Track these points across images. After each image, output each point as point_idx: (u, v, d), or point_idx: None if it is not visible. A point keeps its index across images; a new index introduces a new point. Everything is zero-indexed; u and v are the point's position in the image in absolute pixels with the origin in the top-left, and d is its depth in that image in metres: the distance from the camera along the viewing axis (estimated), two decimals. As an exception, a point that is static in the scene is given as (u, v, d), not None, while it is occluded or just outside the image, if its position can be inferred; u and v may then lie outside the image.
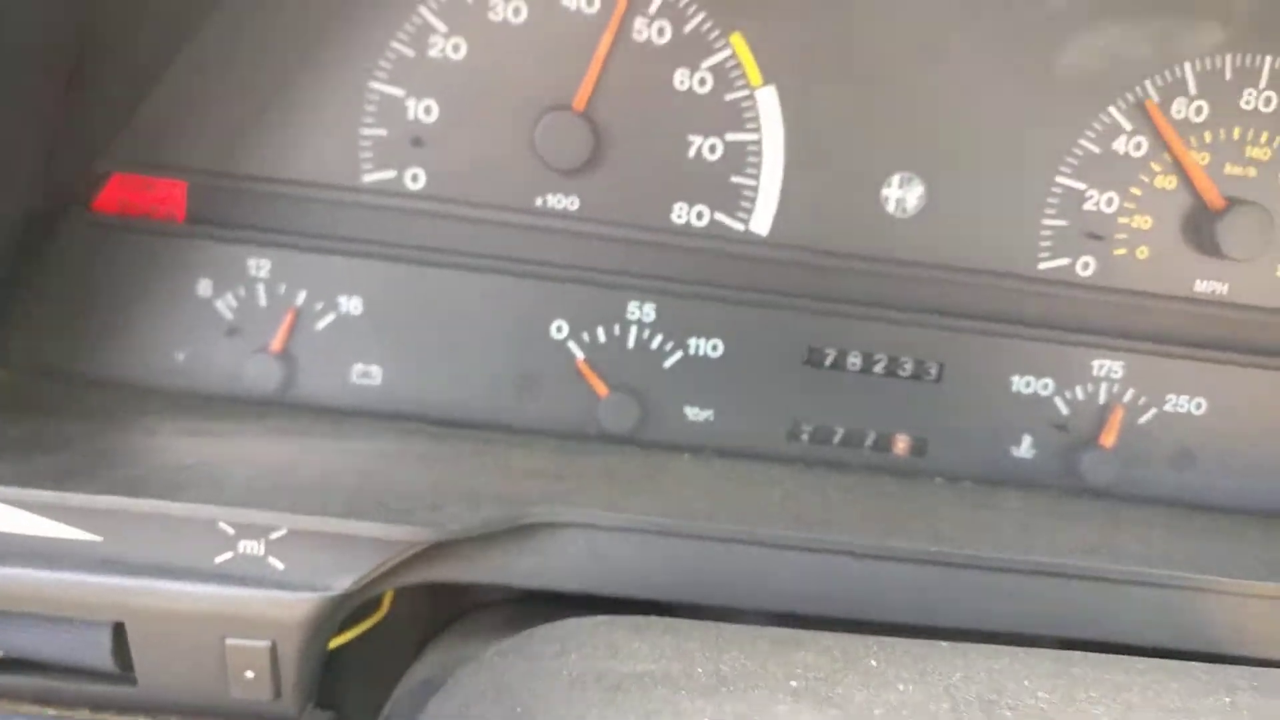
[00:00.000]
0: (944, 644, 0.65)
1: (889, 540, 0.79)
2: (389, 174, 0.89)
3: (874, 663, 0.59)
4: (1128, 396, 0.96)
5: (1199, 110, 0.91)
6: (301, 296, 0.91)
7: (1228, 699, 0.60)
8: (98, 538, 0.70)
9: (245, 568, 0.71)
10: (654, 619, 0.64)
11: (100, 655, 0.71)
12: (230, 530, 0.71)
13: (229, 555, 0.71)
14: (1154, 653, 0.75)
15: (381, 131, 0.88)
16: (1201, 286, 0.95)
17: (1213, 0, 0.89)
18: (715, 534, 0.77)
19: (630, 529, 0.76)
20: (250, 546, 0.71)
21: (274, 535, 0.72)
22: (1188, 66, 0.90)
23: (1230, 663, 0.76)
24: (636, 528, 0.76)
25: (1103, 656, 0.65)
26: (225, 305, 0.90)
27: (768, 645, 0.61)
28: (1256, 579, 0.81)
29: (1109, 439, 0.95)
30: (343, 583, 0.71)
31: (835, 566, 0.79)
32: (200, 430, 0.82)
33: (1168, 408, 0.96)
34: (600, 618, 0.64)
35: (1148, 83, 0.91)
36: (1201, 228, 0.92)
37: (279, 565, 0.72)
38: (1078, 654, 0.66)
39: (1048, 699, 0.57)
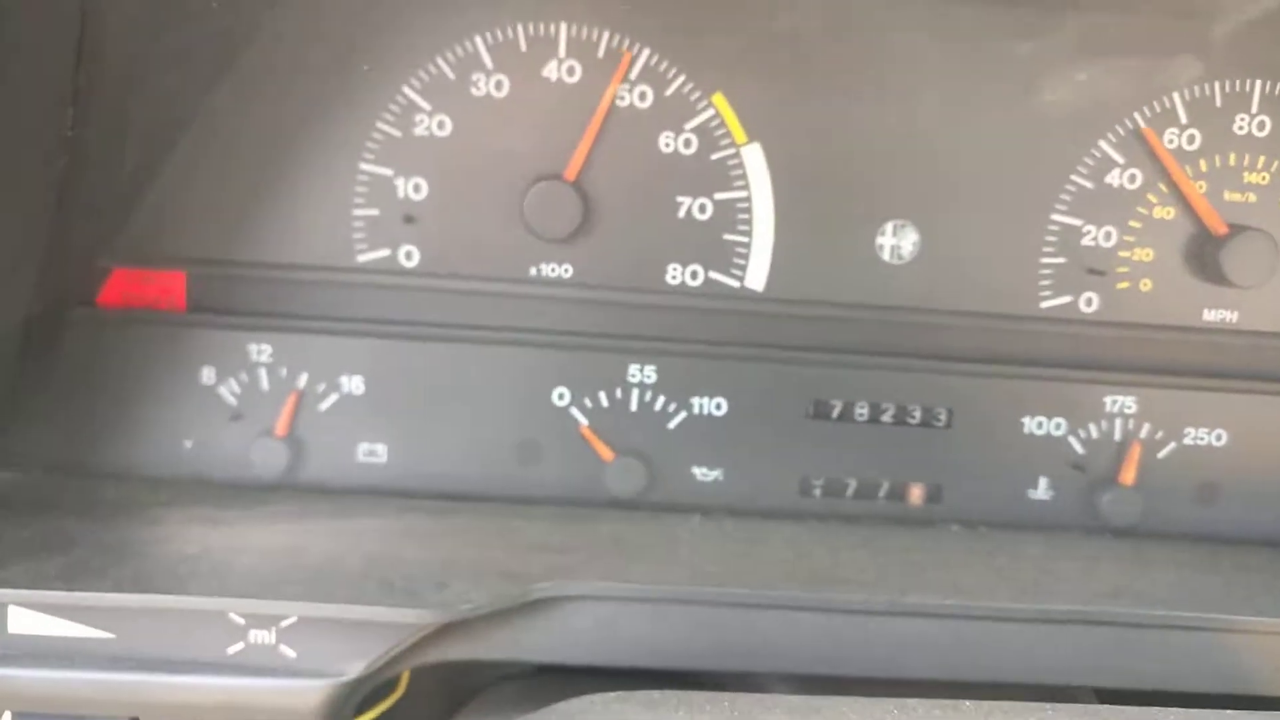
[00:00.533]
0: (967, 704, 0.63)
1: (906, 596, 0.77)
2: (383, 253, 0.90)
3: (892, 729, 0.58)
4: (1144, 432, 0.94)
5: (1191, 139, 0.90)
6: (303, 379, 0.91)
7: (1262, 751, 0.58)
8: (110, 635, 0.70)
9: (257, 657, 0.71)
10: (668, 694, 0.63)
11: (116, 752, 0.70)
12: (240, 620, 0.71)
13: (241, 645, 0.71)
14: (1188, 699, 0.73)
15: (373, 211, 0.89)
16: (1210, 315, 0.93)
17: (1187, 35, 0.89)
18: (727, 599, 0.76)
19: (639, 599, 0.75)
20: (261, 636, 0.71)
21: (284, 624, 0.71)
22: (1176, 96, 0.90)
23: (1269, 706, 0.74)
24: (646, 597, 0.75)
25: (1134, 710, 0.63)
26: (229, 391, 0.91)
27: (784, 714, 0.60)
28: (1289, 616, 0.78)
29: (1128, 476, 0.93)
30: (355, 667, 0.71)
31: (852, 625, 0.77)
32: (207, 518, 0.82)
33: (1187, 441, 0.94)
34: (613, 695, 0.63)
35: (1137, 114, 0.90)
36: (1205, 256, 0.91)
37: (291, 653, 0.71)
38: (1108, 708, 0.63)
39: (1073, 760, 0.55)
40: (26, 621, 0.69)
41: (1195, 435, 0.94)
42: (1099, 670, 0.79)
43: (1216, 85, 0.90)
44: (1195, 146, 0.90)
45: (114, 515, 0.80)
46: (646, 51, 0.87)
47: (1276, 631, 0.77)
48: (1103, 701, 0.85)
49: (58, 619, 0.69)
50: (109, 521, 0.79)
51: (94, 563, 0.71)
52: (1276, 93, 0.90)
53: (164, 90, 0.86)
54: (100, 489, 0.85)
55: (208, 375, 0.91)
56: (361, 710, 0.80)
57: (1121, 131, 0.90)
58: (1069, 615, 0.78)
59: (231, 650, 0.70)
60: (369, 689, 0.75)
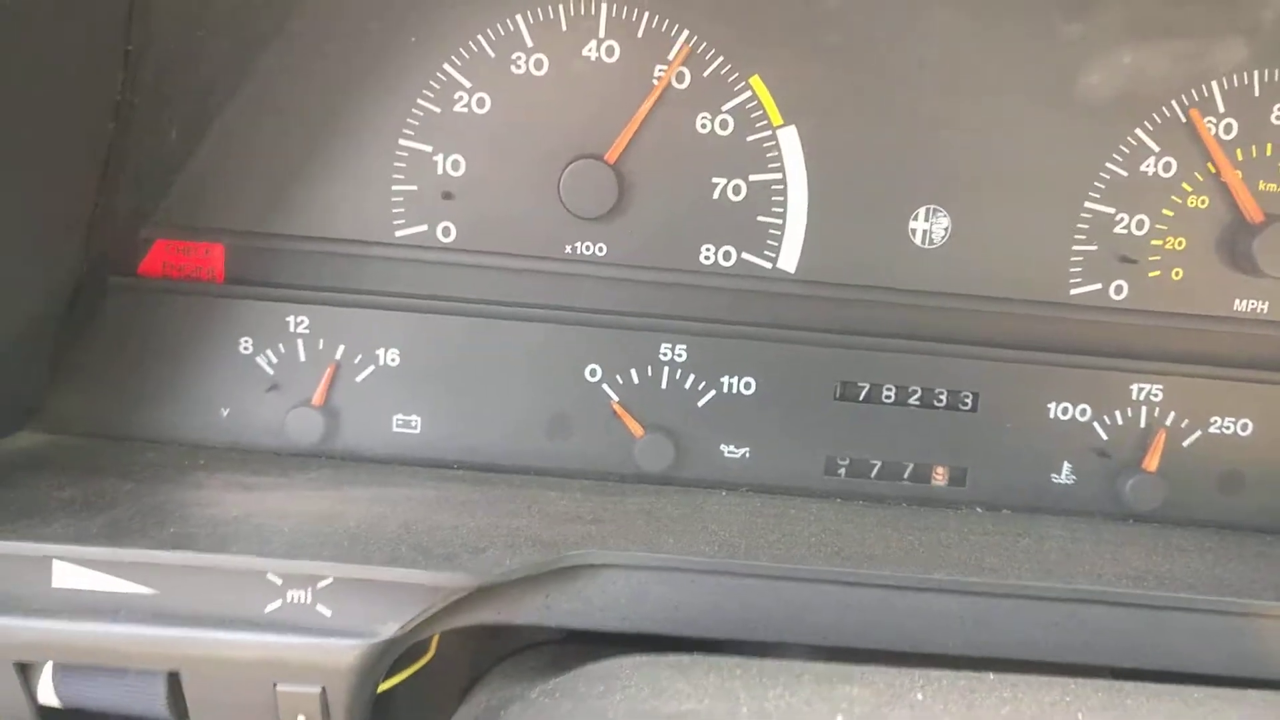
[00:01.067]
0: (991, 676, 0.64)
1: (931, 573, 0.78)
2: (421, 228, 0.91)
3: (920, 696, 0.59)
4: (1170, 419, 0.94)
5: (1229, 128, 0.90)
6: (340, 350, 0.93)
7: (1286, 727, 0.59)
8: (152, 590, 0.72)
9: (294, 616, 0.72)
10: (697, 657, 0.64)
11: (156, 704, 0.72)
12: (278, 580, 0.72)
13: (278, 604, 0.73)
14: (1208, 680, 0.73)
15: (412, 187, 0.91)
16: (1241, 305, 0.93)
17: (1239, 17, 0.89)
18: (755, 571, 0.77)
19: (670, 568, 0.77)
20: (298, 595, 0.73)
21: (321, 584, 0.73)
22: (1215, 85, 0.90)
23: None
24: (676, 567, 0.77)
25: (1156, 686, 0.64)
26: (266, 361, 0.93)
27: (812, 681, 0.61)
28: (1312, 602, 0.79)
29: (1152, 463, 0.94)
30: (389, 629, 0.72)
31: (877, 600, 0.78)
32: (246, 484, 0.84)
33: (1212, 430, 0.94)
34: (643, 657, 0.64)
35: (1174, 102, 0.90)
36: (1237, 246, 0.91)
37: (327, 613, 0.73)
38: (1130, 684, 0.64)
39: (1098, 730, 0.56)
40: (70, 576, 0.71)
41: (1221, 424, 0.94)
42: (1121, 651, 0.80)
43: (1256, 74, 0.90)
44: (1232, 136, 0.90)
45: (154, 478, 0.82)
46: (686, 33, 0.88)
47: None
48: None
49: (100, 574, 0.71)
50: (150, 484, 0.81)
51: (135, 522, 0.73)
52: (1313, 82, 0.90)
53: (213, 56, 0.88)
54: (140, 453, 0.87)
55: (245, 345, 0.92)
56: (392, 671, 0.82)
57: (1159, 119, 0.91)
58: (1094, 595, 0.78)
59: (269, 609, 0.72)
60: (402, 650, 0.77)
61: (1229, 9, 0.89)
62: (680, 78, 0.89)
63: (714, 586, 0.77)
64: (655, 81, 0.89)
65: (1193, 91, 0.90)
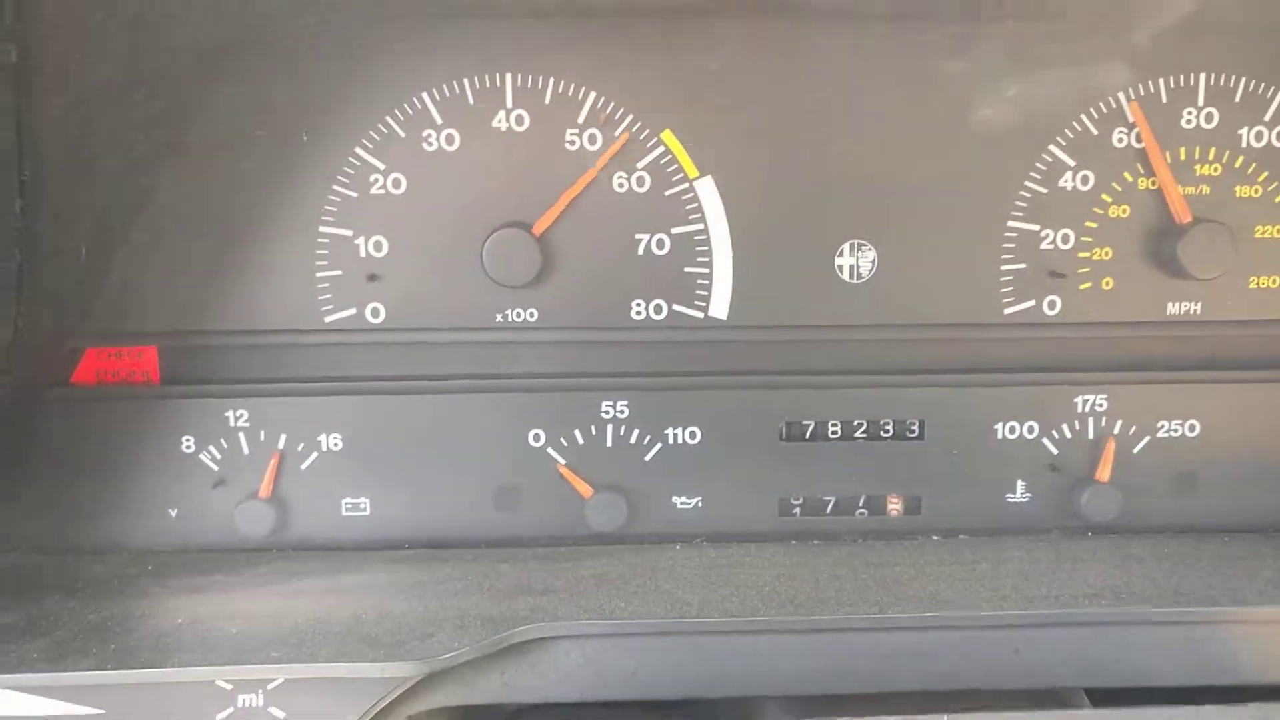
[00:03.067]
0: (945, 718, 0.63)
1: (886, 611, 0.78)
2: (350, 311, 0.91)
3: (864, 754, 0.58)
4: (1118, 428, 0.94)
5: (1140, 137, 0.91)
6: (283, 440, 0.92)
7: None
8: (99, 711, 0.71)
9: None
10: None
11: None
12: (228, 686, 0.72)
13: (229, 711, 0.72)
14: (1180, 692, 0.73)
15: (337, 272, 0.91)
16: (1174, 309, 0.94)
17: (1110, 43, 0.90)
18: (708, 628, 0.76)
19: (622, 634, 0.76)
20: (249, 699, 0.72)
21: (271, 685, 0.72)
22: (1121, 96, 0.91)
23: (1251, 694, 0.74)
24: (628, 632, 0.76)
25: (1113, 713, 0.64)
26: (210, 458, 0.92)
27: (758, 746, 0.60)
28: (1272, 604, 0.79)
29: (1104, 473, 0.94)
30: None
31: (834, 644, 0.78)
32: (193, 587, 0.83)
33: (1161, 434, 0.94)
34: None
35: (1084, 116, 0.91)
36: (1163, 251, 0.92)
37: (280, 714, 0.72)
38: (1085, 713, 0.64)
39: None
40: (11, 703, 0.70)
41: (1168, 428, 0.94)
42: (1085, 671, 0.80)
43: (1161, 82, 0.91)
44: (1144, 145, 0.91)
45: (99, 592, 0.81)
46: (593, 95, 0.89)
47: (1258, 620, 0.77)
48: (1094, 699, 0.86)
49: (43, 699, 0.70)
50: (93, 599, 0.80)
51: (77, 642, 0.72)
52: (1221, 84, 0.91)
53: (109, 174, 0.88)
54: (86, 566, 0.87)
55: (187, 444, 0.92)
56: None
57: (1071, 134, 0.91)
58: (1051, 619, 0.78)
59: (220, 716, 0.71)
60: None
61: (1101, 35, 0.90)
62: (593, 139, 0.90)
63: (669, 647, 0.77)
64: (567, 145, 0.89)
65: (1101, 105, 0.90)
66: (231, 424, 0.92)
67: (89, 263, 0.88)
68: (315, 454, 0.93)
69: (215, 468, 0.92)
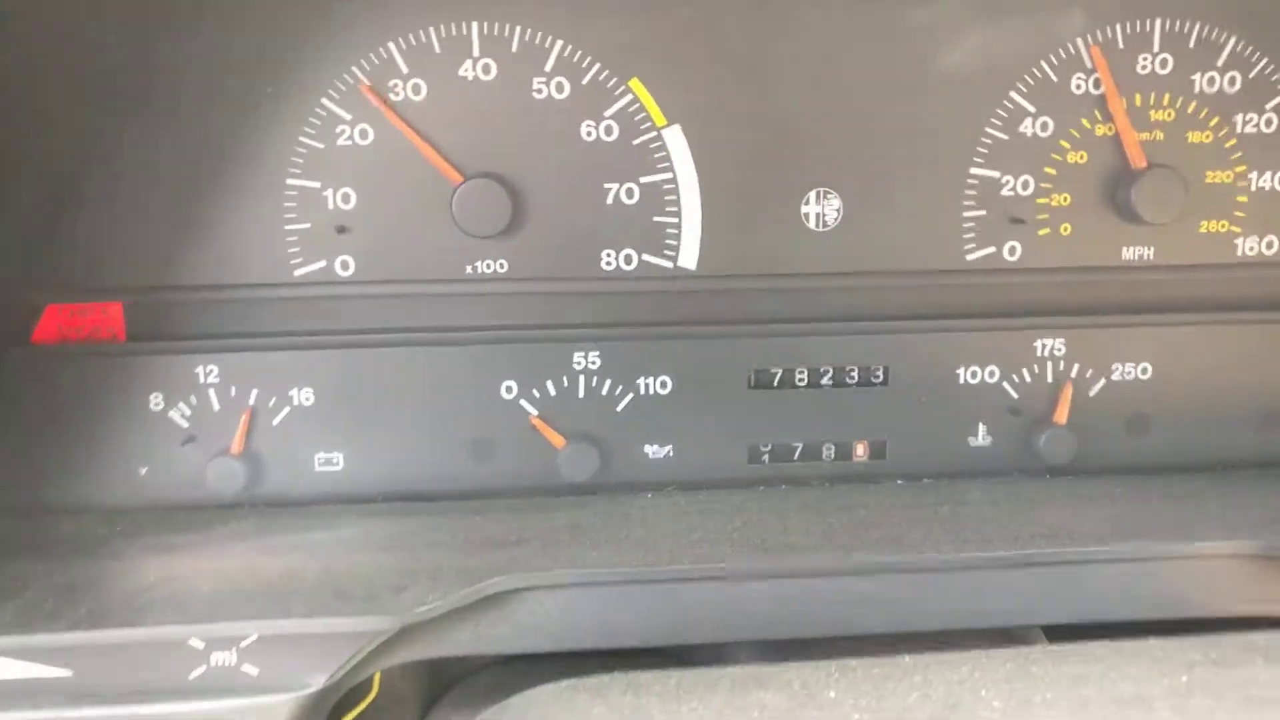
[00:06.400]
0: (907, 659, 0.66)
1: (850, 556, 0.80)
2: (319, 264, 0.91)
3: (833, 694, 0.61)
4: (1075, 371, 0.97)
5: (1098, 83, 0.92)
6: (254, 396, 0.92)
7: (1184, 678, 0.61)
8: (68, 672, 0.71)
9: (221, 679, 0.72)
10: (616, 676, 0.65)
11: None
12: (200, 645, 0.72)
13: (203, 669, 0.73)
14: (1132, 626, 0.76)
15: (305, 225, 0.90)
16: (1128, 254, 0.96)
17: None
18: (678, 575, 0.78)
19: (594, 583, 0.78)
20: (222, 658, 0.73)
21: (245, 643, 0.73)
22: (1080, 42, 0.92)
23: (1201, 626, 0.78)
24: (600, 580, 0.78)
25: (1062, 648, 0.67)
26: (179, 415, 0.92)
27: (728, 687, 0.63)
28: (1214, 540, 0.82)
29: (1062, 416, 0.96)
30: (319, 679, 0.73)
31: (802, 589, 0.80)
32: (164, 546, 0.83)
33: (1115, 377, 0.97)
34: (564, 683, 0.65)
35: (1044, 63, 0.92)
36: (1118, 196, 0.93)
37: (253, 671, 0.73)
38: (1038, 650, 0.67)
39: (1002, 707, 0.58)
40: (-17, 666, 0.71)
41: (1123, 371, 0.97)
42: (1042, 609, 0.83)
43: (1119, 27, 0.91)
44: (1102, 91, 0.92)
45: (69, 553, 0.81)
46: (560, 43, 0.88)
47: (1201, 555, 0.81)
48: (1051, 637, 0.89)
49: (15, 661, 0.70)
50: (63, 560, 0.80)
51: (48, 604, 0.72)
52: (1176, 30, 0.92)
53: (71, 127, 0.86)
54: (56, 526, 0.86)
55: (156, 401, 0.91)
56: (342, 712, 0.83)
57: (1032, 80, 0.92)
58: (1009, 560, 0.81)
59: (194, 675, 0.72)
60: (337, 697, 0.77)
61: None
62: (560, 88, 0.89)
63: (640, 595, 0.79)
64: (535, 94, 0.89)
65: (1060, 51, 0.91)
66: (201, 380, 0.91)
67: (51, 216, 0.87)
68: (287, 409, 0.93)
69: (185, 425, 0.92)
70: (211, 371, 0.91)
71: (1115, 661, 0.63)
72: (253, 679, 0.72)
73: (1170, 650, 0.65)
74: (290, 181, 0.89)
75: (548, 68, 0.88)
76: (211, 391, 0.92)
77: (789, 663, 0.66)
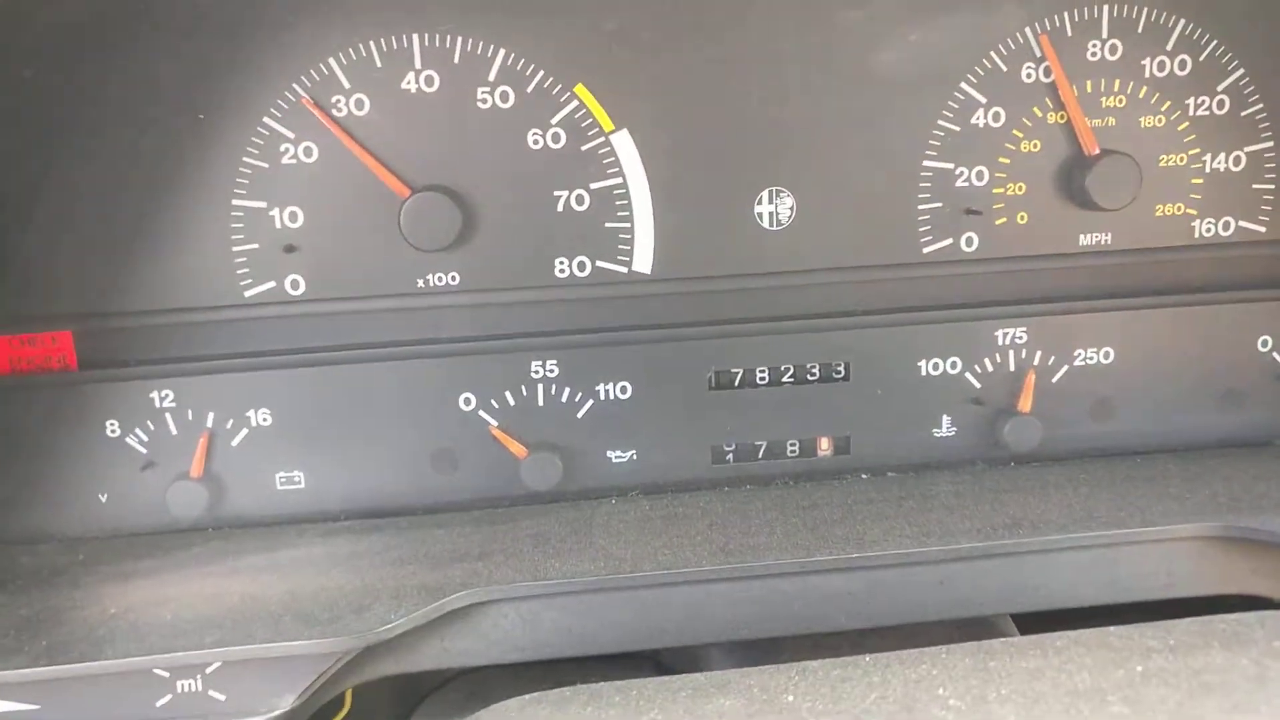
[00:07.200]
0: (867, 659, 0.66)
1: (814, 554, 0.80)
2: (269, 285, 0.90)
3: (790, 697, 0.60)
4: (1037, 359, 0.97)
5: (1048, 71, 0.92)
6: (210, 418, 0.91)
7: (1139, 667, 0.61)
8: (35, 706, 0.71)
9: (187, 707, 0.72)
10: (579, 689, 0.65)
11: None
12: (165, 673, 0.72)
13: (169, 698, 0.73)
14: (1103, 612, 0.77)
15: (254, 245, 0.89)
16: (1086, 240, 0.96)
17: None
18: (641, 582, 0.78)
19: (556, 593, 0.78)
20: (187, 685, 0.73)
21: (210, 669, 0.73)
22: (1029, 31, 0.91)
23: (1172, 606, 0.78)
24: (562, 590, 0.78)
25: (1021, 640, 0.67)
26: (137, 441, 0.91)
27: (689, 695, 0.62)
28: (1175, 522, 0.82)
29: (1026, 404, 0.96)
30: (286, 701, 0.73)
31: (765, 590, 0.80)
32: (126, 573, 0.83)
33: (1078, 363, 0.97)
34: (526, 697, 0.65)
35: (993, 53, 0.92)
36: (1073, 184, 0.93)
37: (220, 697, 0.73)
38: (998, 643, 0.67)
39: (958, 705, 0.58)
40: (-56, 706, 0.70)
41: (1085, 356, 0.97)
42: (1008, 599, 0.83)
43: (1066, 15, 0.91)
44: (1052, 79, 0.92)
45: (29, 584, 0.81)
46: (503, 52, 0.87)
47: (1160, 539, 0.81)
48: (1021, 625, 0.90)
49: None
50: (23, 592, 0.79)
51: (8, 639, 0.72)
52: (1124, 15, 0.92)
53: (5, 155, 0.85)
54: (15, 558, 0.86)
55: (112, 428, 0.91)
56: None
57: (982, 71, 0.92)
58: (973, 552, 0.81)
59: (160, 703, 0.72)
60: (309, 715, 0.77)
61: None
62: (505, 97, 0.88)
63: (604, 603, 0.78)
64: (479, 104, 0.88)
65: (1009, 41, 0.91)
66: (157, 405, 0.91)
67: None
68: (245, 430, 0.92)
69: (143, 450, 0.91)
70: (167, 396, 0.91)
71: (1073, 654, 0.63)
72: (220, 704, 0.72)
73: (1129, 638, 0.65)
74: (236, 202, 0.88)
75: (491, 77, 0.88)
76: (168, 416, 0.91)
77: (750, 668, 0.65)
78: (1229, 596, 0.84)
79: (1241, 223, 0.96)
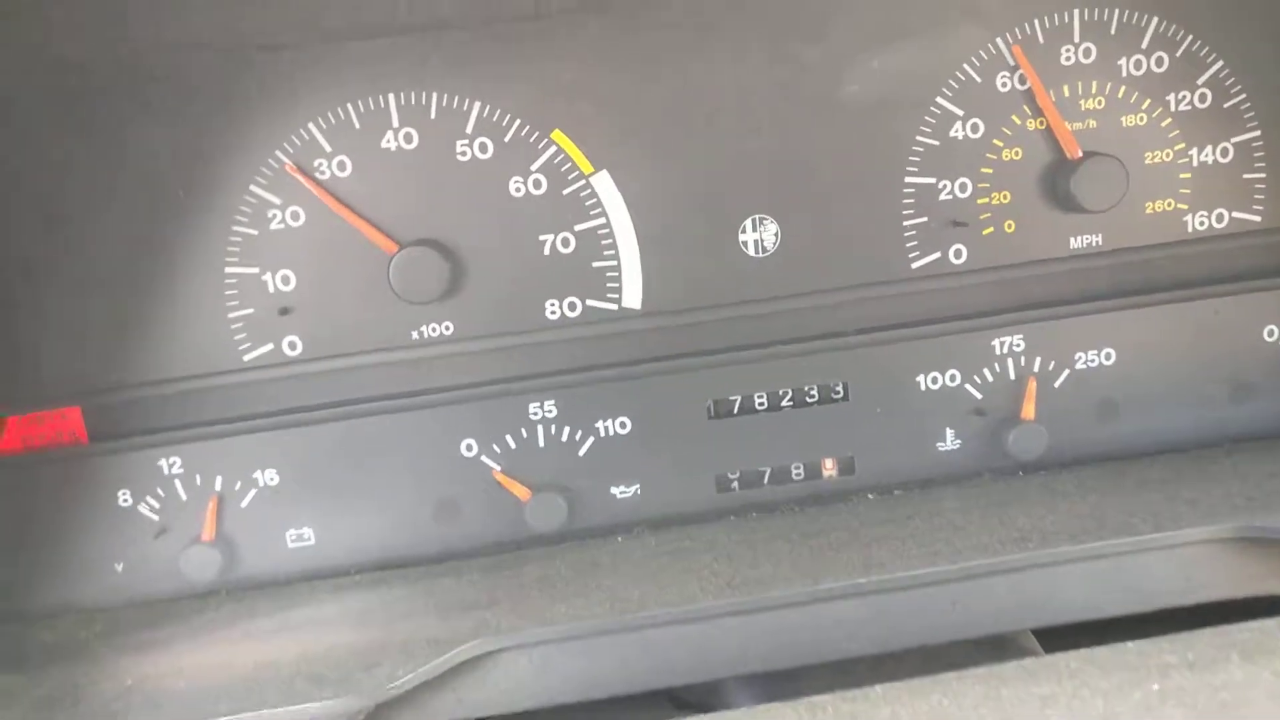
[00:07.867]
0: (878, 689, 0.65)
1: (820, 582, 0.80)
2: (267, 347, 0.91)
3: (794, 733, 0.60)
4: (1037, 366, 0.96)
5: (1023, 79, 0.92)
6: (219, 482, 0.93)
7: (1156, 686, 0.60)
8: None
9: None
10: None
11: None
12: None
13: None
14: (1121, 623, 0.75)
15: (249, 310, 0.91)
16: (1076, 243, 0.95)
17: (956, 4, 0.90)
18: (649, 622, 0.78)
19: (565, 638, 0.78)
20: None
21: None
22: (1000, 42, 0.91)
23: (1191, 613, 0.76)
24: (570, 635, 0.78)
25: (1034, 664, 0.65)
26: (148, 509, 0.93)
27: (694, 737, 0.62)
28: (1189, 526, 0.81)
29: (1029, 411, 0.95)
30: None
31: (774, 621, 0.80)
32: (141, 644, 0.84)
33: (1079, 366, 0.96)
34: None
35: (966, 66, 0.91)
36: (1058, 188, 0.93)
37: None
38: (1011, 667, 0.66)
39: (967, 736, 0.57)
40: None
41: (1085, 359, 0.96)
42: (1023, 615, 0.82)
43: (1037, 23, 0.91)
44: (1029, 86, 0.91)
45: (46, 661, 0.82)
46: (478, 105, 0.88)
47: (1173, 544, 0.80)
48: (1042, 639, 0.88)
49: None
50: (41, 669, 0.80)
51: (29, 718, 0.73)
52: (1095, 18, 0.91)
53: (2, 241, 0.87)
54: (34, 634, 0.87)
55: (124, 498, 0.92)
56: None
57: (956, 85, 0.92)
58: (982, 570, 0.80)
59: None
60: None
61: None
62: (484, 148, 0.89)
63: (612, 645, 0.78)
64: (459, 156, 0.89)
65: (981, 52, 0.91)
66: (166, 472, 0.92)
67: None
68: (253, 491, 0.93)
69: (155, 517, 0.93)
70: (175, 463, 0.92)
71: (1088, 676, 0.62)
72: None
73: (1146, 654, 0.64)
74: (229, 270, 0.90)
75: (469, 130, 0.89)
76: (177, 482, 0.93)
77: (757, 706, 0.65)
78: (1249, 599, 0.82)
79: (1235, 213, 0.95)
